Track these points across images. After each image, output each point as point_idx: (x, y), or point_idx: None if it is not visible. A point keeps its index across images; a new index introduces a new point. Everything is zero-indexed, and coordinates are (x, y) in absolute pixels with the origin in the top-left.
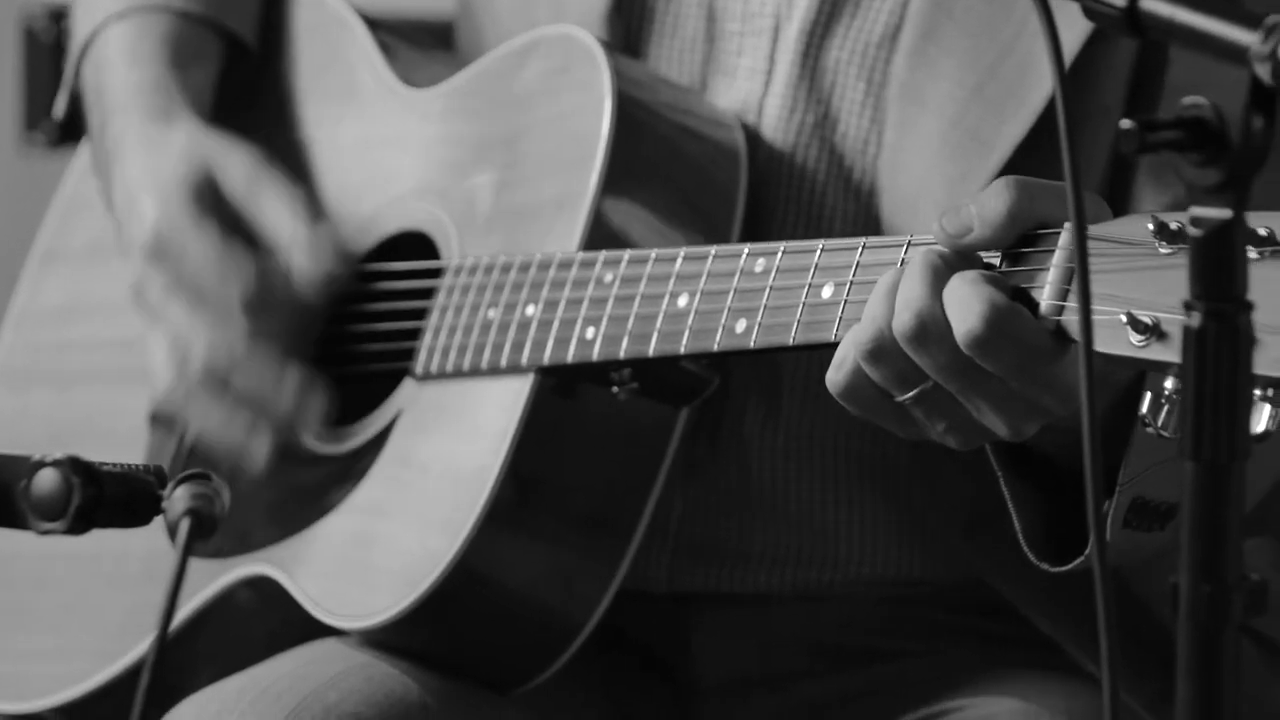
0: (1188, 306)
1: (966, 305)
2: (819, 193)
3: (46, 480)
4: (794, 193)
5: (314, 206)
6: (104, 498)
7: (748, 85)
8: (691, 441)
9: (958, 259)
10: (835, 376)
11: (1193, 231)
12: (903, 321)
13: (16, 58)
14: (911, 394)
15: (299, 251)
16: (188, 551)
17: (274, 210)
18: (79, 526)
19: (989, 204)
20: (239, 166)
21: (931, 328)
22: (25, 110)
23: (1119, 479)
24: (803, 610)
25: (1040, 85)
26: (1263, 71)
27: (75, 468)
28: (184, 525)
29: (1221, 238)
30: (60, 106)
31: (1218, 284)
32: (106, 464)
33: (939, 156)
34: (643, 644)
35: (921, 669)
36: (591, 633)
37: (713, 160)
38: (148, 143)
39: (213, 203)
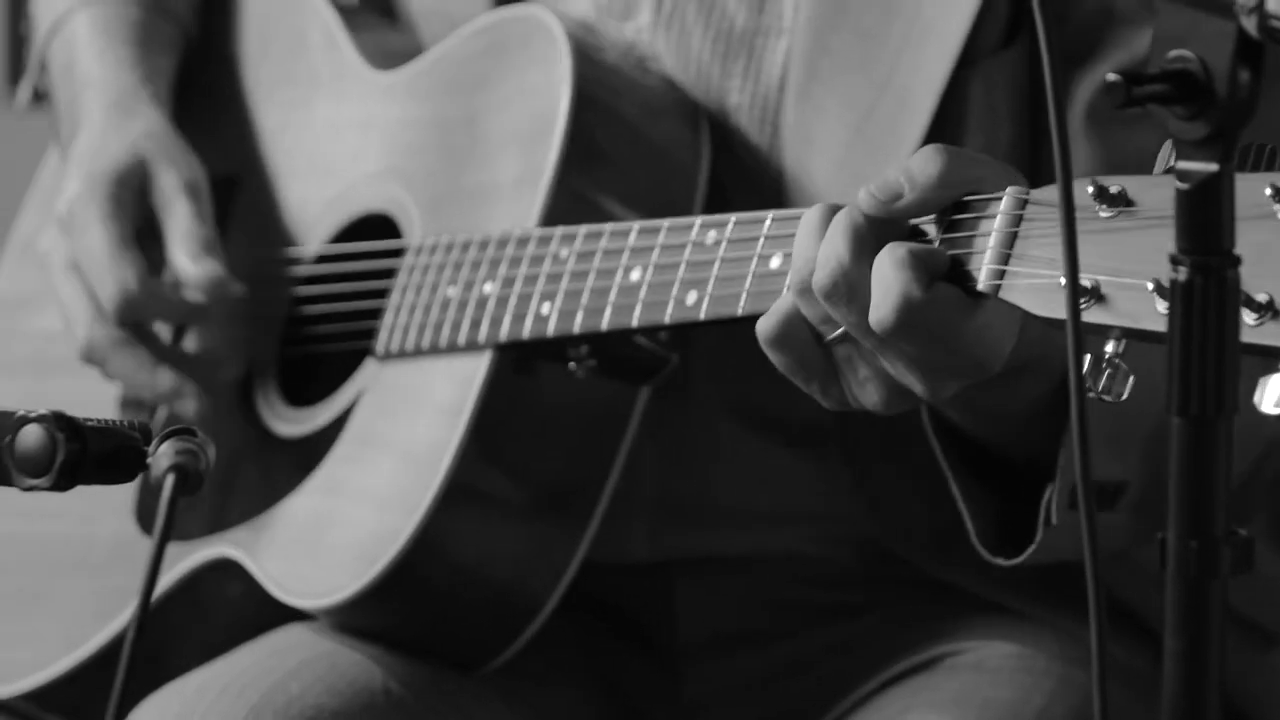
0: (1174, 261)
1: (884, 289)
2: None
3: (31, 436)
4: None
5: (266, 218)
6: (88, 453)
7: None
8: (655, 411)
9: (886, 224)
10: (766, 322)
11: (1180, 185)
12: (819, 279)
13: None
14: (837, 333)
15: (184, 264)
16: (173, 507)
17: (176, 223)
18: (63, 483)
19: (919, 167)
20: (170, 177)
21: (844, 290)
22: (7, 65)
23: (1059, 460)
24: (783, 568)
25: (915, 119)
26: (1249, 24)
27: (59, 423)
28: (169, 480)
29: (1208, 191)
30: (25, 93)
31: (1204, 238)
32: (91, 420)
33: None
34: (623, 612)
35: (905, 619)
36: (568, 606)
37: (674, 141)
38: (106, 125)
39: (132, 201)
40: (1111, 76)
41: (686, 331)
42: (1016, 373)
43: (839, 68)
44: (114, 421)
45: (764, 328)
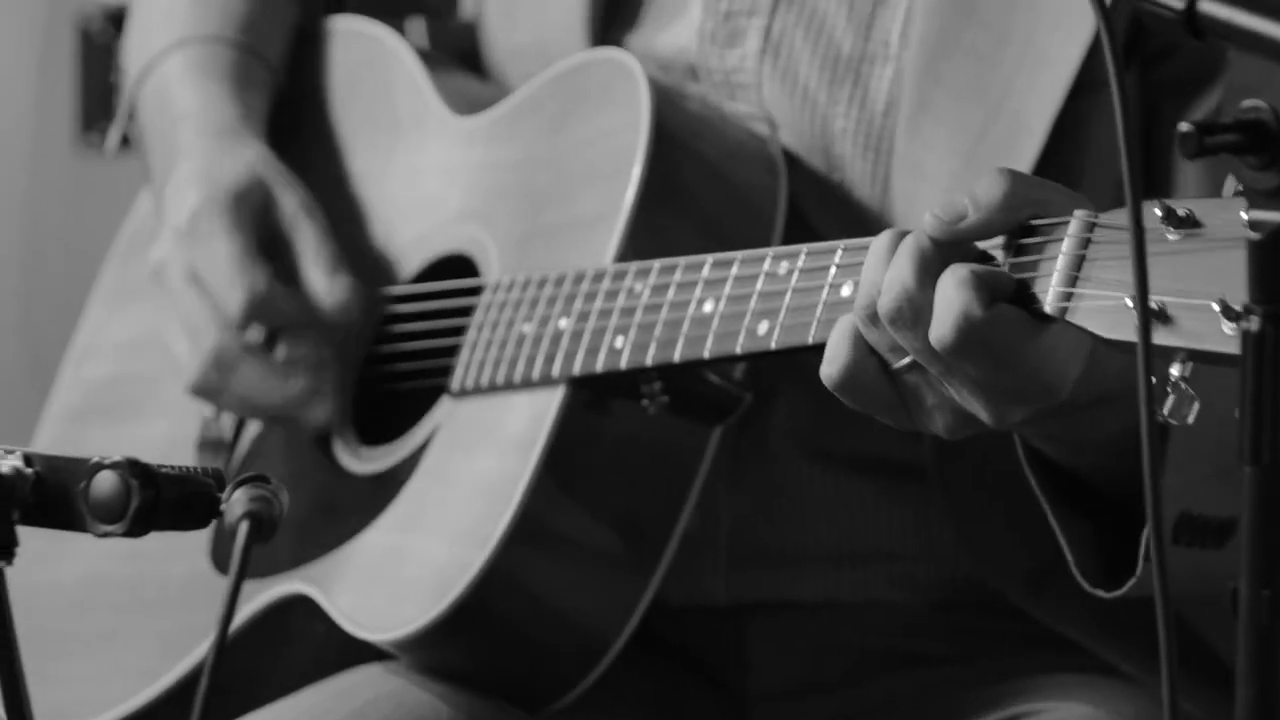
0: (1246, 310)
1: (945, 307)
2: None
3: (105, 482)
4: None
5: (348, 260)
6: (162, 500)
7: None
8: (732, 452)
9: (952, 247)
10: (830, 368)
11: (1251, 235)
12: (884, 303)
13: (73, 60)
14: (904, 362)
15: (320, 280)
16: (247, 554)
17: (305, 241)
18: (137, 529)
19: (984, 190)
20: (293, 197)
21: (909, 314)
22: (81, 112)
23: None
24: (860, 613)
25: (1029, 143)
26: None
27: (134, 470)
28: (243, 528)
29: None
30: (114, 138)
31: (1275, 288)
32: (165, 466)
33: None
34: (694, 654)
35: (977, 673)
36: (638, 646)
37: (752, 185)
38: (214, 149)
39: (253, 219)
40: (1184, 126)
41: (759, 362)
42: (1099, 404)
43: (950, 95)
44: (188, 468)
45: (828, 373)
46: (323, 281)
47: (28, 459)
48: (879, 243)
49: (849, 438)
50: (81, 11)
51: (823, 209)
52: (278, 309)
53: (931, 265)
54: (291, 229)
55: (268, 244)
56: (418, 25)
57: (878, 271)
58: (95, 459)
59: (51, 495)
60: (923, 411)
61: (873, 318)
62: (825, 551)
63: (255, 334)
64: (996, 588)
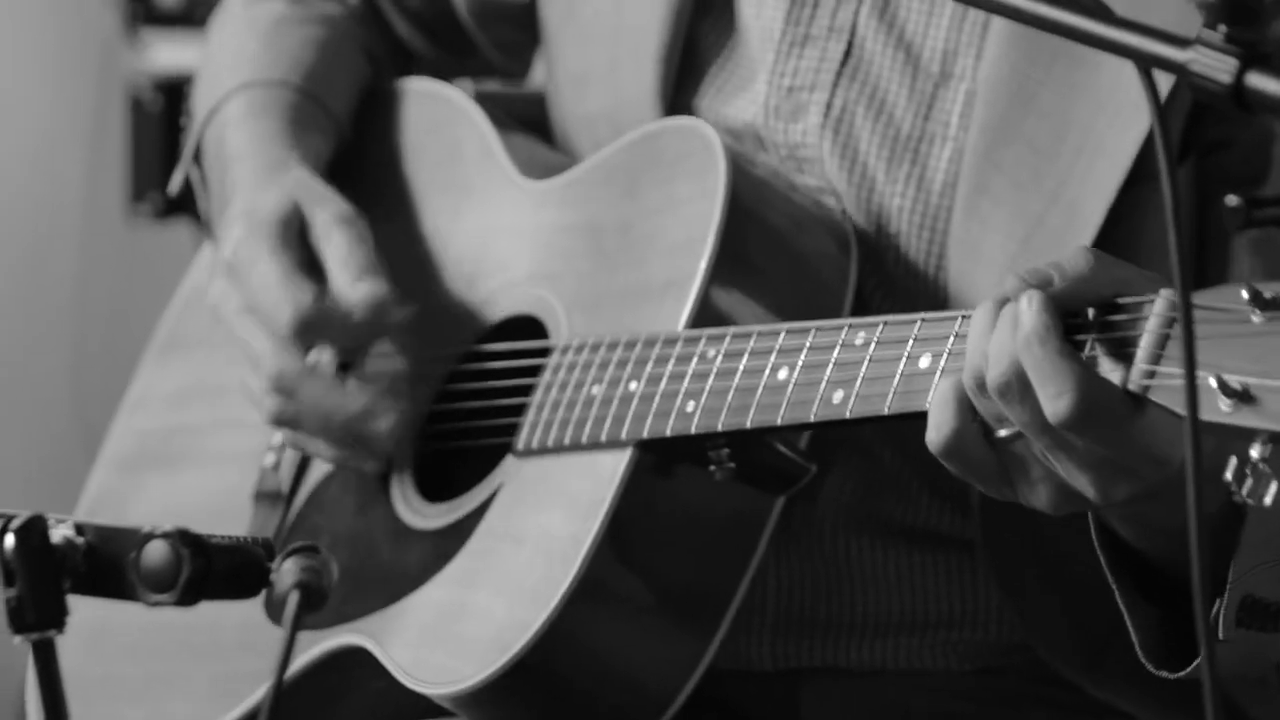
0: None
1: (1056, 385)
2: None
3: (156, 552)
4: None
5: (418, 291)
6: (213, 570)
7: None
8: (782, 520)
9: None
10: (935, 434)
11: None
12: (994, 375)
13: (123, 129)
14: (1010, 431)
15: (344, 284)
16: (297, 624)
17: (334, 250)
18: (188, 598)
19: (1070, 261)
20: (325, 211)
21: (1018, 387)
22: (132, 181)
23: (1229, 576)
24: (904, 680)
25: (1085, 231)
26: None
27: (184, 540)
28: (293, 598)
29: None
30: (176, 182)
31: None
32: (215, 536)
33: None
34: (748, 718)
35: None
36: (693, 709)
37: (822, 257)
38: (257, 184)
39: (293, 237)
40: (1231, 200)
41: (826, 433)
42: (1180, 487)
43: (1009, 181)
44: (238, 538)
45: (934, 439)
46: (347, 289)
47: (79, 528)
48: (981, 313)
49: (897, 510)
50: (132, 81)
51: (875, 283)
52: (325, 322)
53: None
54: (323, 241)
55: (312, 264)
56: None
57: (983, 340)
58: (146, 529)
59: (103, 565)
60: (1027, 484)
61: (980, 387)
62: (872, 620)
63: (315, 354)
64: (1049, 660)
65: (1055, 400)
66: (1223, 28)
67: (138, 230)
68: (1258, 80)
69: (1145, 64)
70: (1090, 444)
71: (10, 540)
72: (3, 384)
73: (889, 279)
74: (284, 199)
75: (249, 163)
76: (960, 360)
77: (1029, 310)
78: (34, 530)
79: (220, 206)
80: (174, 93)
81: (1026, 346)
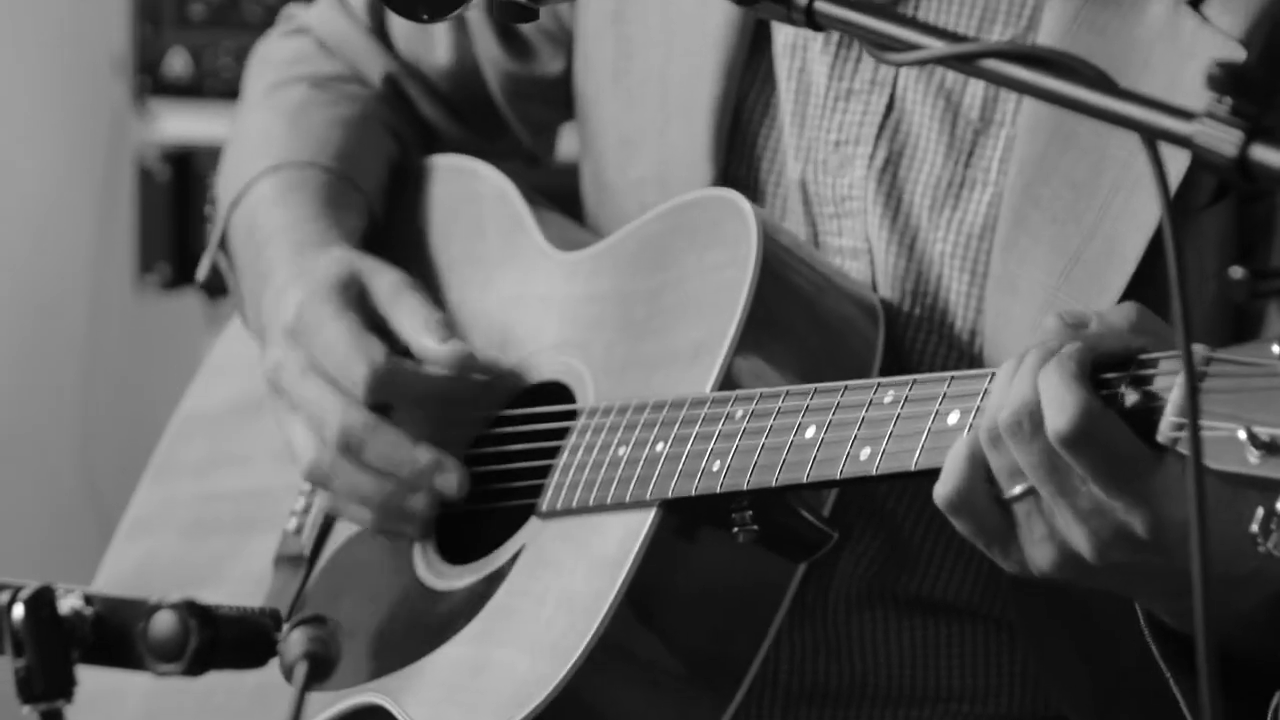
0: None
1: (1059, 401)
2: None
3: (164, 623)
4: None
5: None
6: (220, 640)
7: (854, 265)
8: (797, 589)
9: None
10: (943, 488)
11: None
12: (1005, 416)
13: (132, 199)
14: (1019, 489)
15: (430, 345)
16: (304, 694)
17: (411, 313)
18: (196, 668)
19: (1113, 311)
20: (386, 278)
21: (1029, 424)
22: (140, 251)
23: None
24: None
25: (1123, 266)
26: None
27: (192, 610)
28: (300, 668)
29: None
30: (204, 268)
31: None
32: (223, 607)
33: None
34: None
35: None
36: None
37: (850, 326)
38: (300, 260)
39: (356, 301)
40: (1236, 272)
41: (857, 489)
42: (1232, 587)
43: (1047, 217)
44: (246, 609)
45: (942, 493)
46: (431, 344)
47: (87, 599)
48: (1006, 366)
49: (912, 581)
50: (141, 151)
51: (916, 329)
52: (399, 378)
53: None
54: (391, 306)
55: (372, 328)
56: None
57: (1003, 393)
58: (154, 600)
59: (111, 635)
60: (1030, 543)
61: (995, 437)
62: (883, 691)
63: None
64: None
65: (1058, 416)
66: (1228, 100)
67: (146, 300)
68: (1262, 153)
69: (1151, 137)
70: (1094, 480)
71: (19, 611)
72: (11, 453)
73: (930, 320)
74: (340, 266)
75: (286, 241)
76: None
77: (1061, 355)
78: (42, 601)
79: (254, 287)
80: (182, 163)
81: (1045, 374)
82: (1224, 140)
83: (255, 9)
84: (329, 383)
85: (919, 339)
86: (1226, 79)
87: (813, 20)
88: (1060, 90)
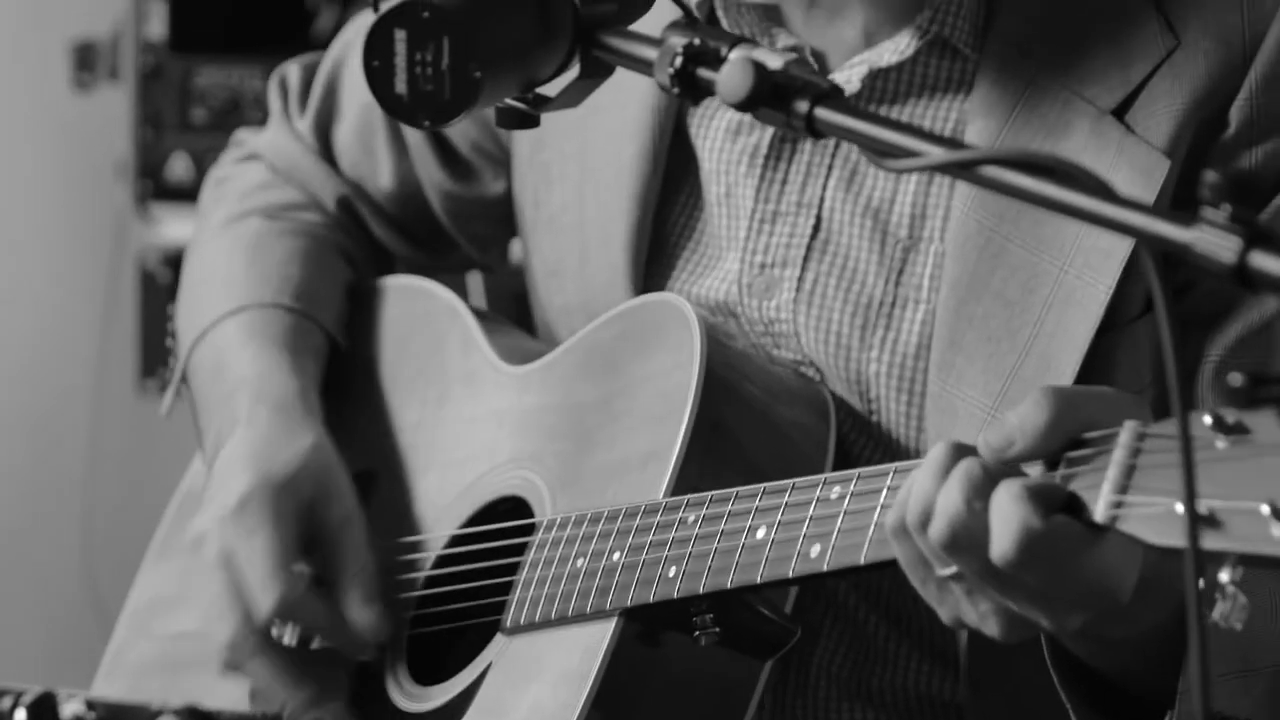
0: None
1: (1002, 522)
2: None
3: None
4: None
5: (400, 509)
6: None
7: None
8: (773, 686)
9: (1002, 467)
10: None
11: None
12: (938, 529)
13: (134, 304)
14: (949, 571)
15: (355, 606)
16: None
17: (345, 557)
18: None
19: (1030, 416)
20: (340, 507)
21: (964, 540)
22: (141, 356)
23: (1179, 687)
24: None
25: (1059, 381)
26: None
27: (194, 716)
28: None
29: None
30: (167, 403)
31: None
32: (225, 713)
33: None
34: None
35: None
36: None
37: (800, 427)
38: (272, 431)
39: (297, 511)
40: (1235, 379)
41: (811, 585)
42: (1137, 600)
43: (981, 336)
44: (250, 714)
45: (889, 521)
46: (359, 611)
47: (90, 704)
48: (934, 455)
49: (886, 676)
50: (142, 255)
51: (863, 443)
52: (305, 616)
53: (983, 489)
54: (336, 539)
55: (309, 538)
56: (476, 280)
57: (932, 482)
58: (156, 705)
59: None
60: (977, 615)
61: (919, 530)
62: None
63: (276, 631)
64: None
65: (999, 541)
66: (1226, 206)
67: (147, 405)
68: (1260, 259)
69: (1150, 244)
70: (1041, 582)
71: (21, 716)
72: (14, 558)
73: (873, 439)
74: (299, 463)
75: (255, 389)
76: None
77: (979, 472)
78: (45, 707)
79: (221, 430)
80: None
81: (995, 500)
82: (1223, 247)
83: (256, 114)
84: (235, 588)
85: (864, 450)
86: (1225, 186)
87: (813, 128)
88: (1059, 197)
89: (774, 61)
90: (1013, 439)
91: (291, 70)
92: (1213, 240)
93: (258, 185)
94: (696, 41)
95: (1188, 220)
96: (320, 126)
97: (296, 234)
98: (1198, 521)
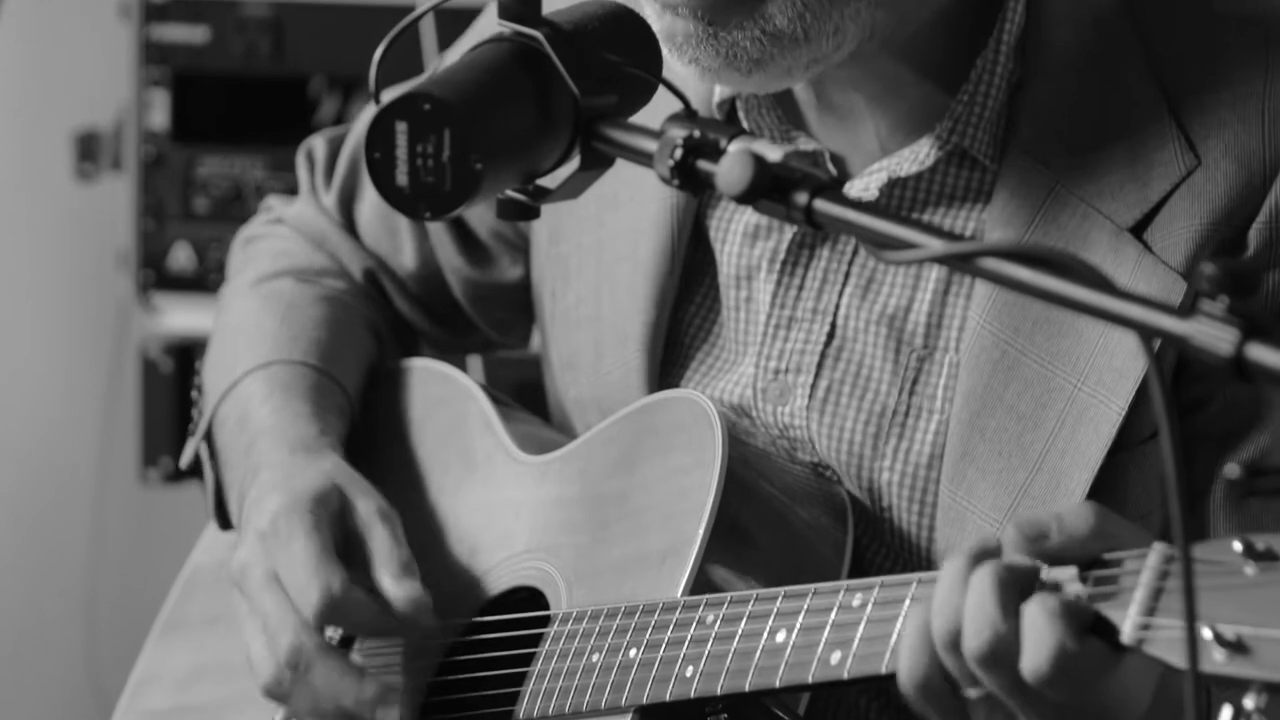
0: None
1: (1037, 639)
2: None
3: None
4: None
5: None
6: None
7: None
8: None
9: (1026, 574)
10: (905, 677)
11: None
12: (975, 644)
13: (136, 393)
14: (979, 693)
15: (389, 584)
16: None
17: (379, 547)
18: None
19: (1072, 518)
20: (366, 502)
21: (1002, 653)
22: (144, 445)
23: None
24: None
25: (1070, 499)
26: None
27: None
28: None
29: None
30: (188, 455)
31: None
32: None
33: None
34: None
35: None
36: None
37: (818, 529)
38: (293, 461)
39: (331, 521)
40: (1233, 471)
41: (828, 692)
42: (1150, 716)
43: (993, 449)
44: None
45: (905, 682)
46: (392, 586)
47: None
48: (953, 568)
49: None
50: (144, 344)
51: (876, 548)
52: (352, 611)
53: (1013, 595)
54: (366, 533)
55: (346, 547)
56: (475, 362)
57: (956, 595)
58: None
59: None
60: None
61: (952, 647)
62: None
63: (332, 635)
64: None
65: (1033, 658)
66: (1224, 299)
67: (149, 494)
68: (1258, 352)
69: (1148, 336)
70: (1064, 700)
71: None
72: (15, 647)
73: (886, 545)
74: (324, 479)
75: (276, 436)
76: None
77: (1007, 574)
78: None
79: (241, 479)
80: (185, 355)
81: (1027, 612)
82: (1220, 339)
83: (258, 203)
84: (286, 599)
85: (877, 555)
86: (1222, 278)
87: (811, 219)
88: (1058, 289)
89: (773, 154)
90: (1047, 533)
91: (318, 144)
92: (1210, 332)
93: (289, 249)
94: (696, 134)
95: (1186, 312)
96: (344, 202)
97: (327, 301)
98: (1198, 642)
